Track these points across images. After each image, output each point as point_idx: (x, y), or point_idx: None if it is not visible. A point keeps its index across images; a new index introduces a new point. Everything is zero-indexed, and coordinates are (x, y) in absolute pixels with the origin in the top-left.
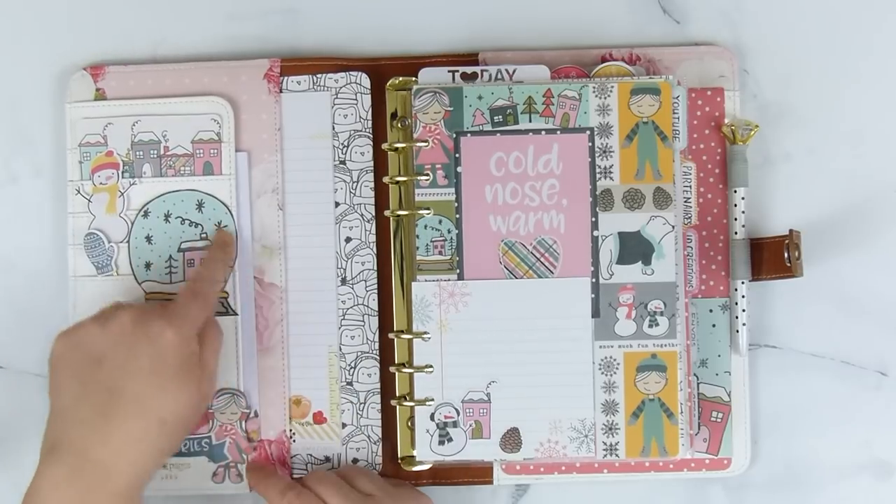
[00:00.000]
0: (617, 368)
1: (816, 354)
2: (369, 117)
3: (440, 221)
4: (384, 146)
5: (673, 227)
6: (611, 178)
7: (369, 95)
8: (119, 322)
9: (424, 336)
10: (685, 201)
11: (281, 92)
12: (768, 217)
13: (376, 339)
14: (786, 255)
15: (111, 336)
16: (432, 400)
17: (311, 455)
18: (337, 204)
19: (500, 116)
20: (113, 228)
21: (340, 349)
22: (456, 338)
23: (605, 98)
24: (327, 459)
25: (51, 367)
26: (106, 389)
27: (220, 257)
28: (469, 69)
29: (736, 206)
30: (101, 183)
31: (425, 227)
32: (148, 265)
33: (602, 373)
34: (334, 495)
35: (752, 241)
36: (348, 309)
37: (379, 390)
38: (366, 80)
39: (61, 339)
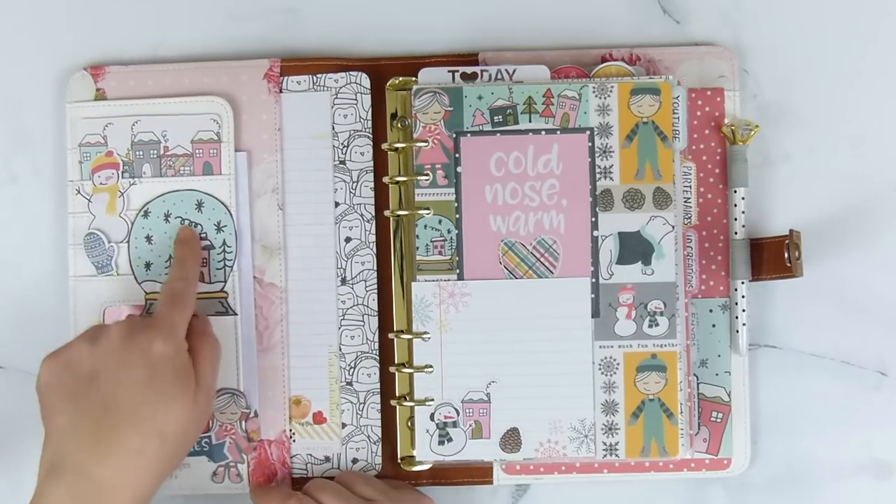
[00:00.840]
0: (617, 368)
1: (816, 354)
2: (369, 117)
3: (440, 221)
4: (384, 146)
5: (673, 227)
6: (611, 178)
7: (369, 95)
8: (108, 338)
9: (424, 336)
10: (685, 201)
11: (281, 92)
12: (768, 217)
13: (376, 339)
14: (786, 255)
15: (101, 353)
16: (432, 400)
17: (310, 455)
18: (337, 204)
19: (500, 116)
20: (113, 228)
21: (340, 349)
22: (456, 338)
23: (605, 98)
24: (327, 459)
25: (41, 392)
26: (101, 405)
27: (187, 254)
28: (469, 69)
29: (736, 206)
30: (101, 183)
31: (425, 227)
32: (148, 265)
33: (602, 373)
34: (335, 501)
35: (752, 241)
36: (348, 309)
37: (379, 390)
38: (366, 80)
39: (49, 362)
